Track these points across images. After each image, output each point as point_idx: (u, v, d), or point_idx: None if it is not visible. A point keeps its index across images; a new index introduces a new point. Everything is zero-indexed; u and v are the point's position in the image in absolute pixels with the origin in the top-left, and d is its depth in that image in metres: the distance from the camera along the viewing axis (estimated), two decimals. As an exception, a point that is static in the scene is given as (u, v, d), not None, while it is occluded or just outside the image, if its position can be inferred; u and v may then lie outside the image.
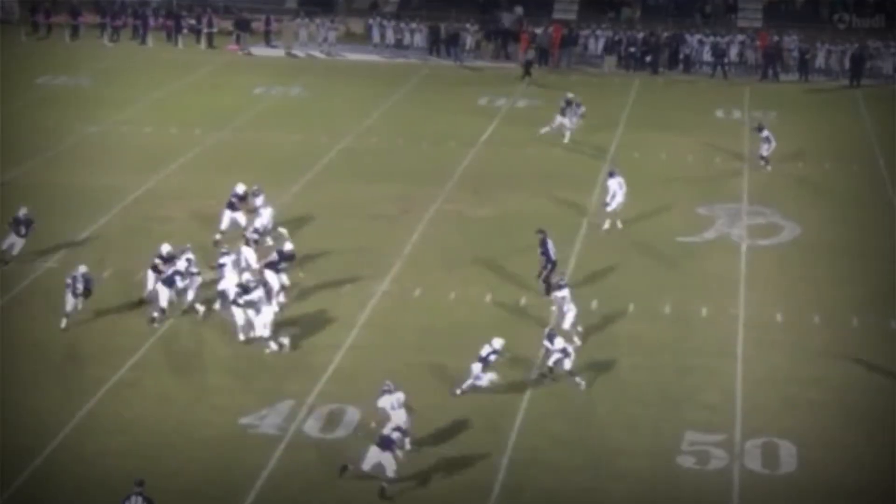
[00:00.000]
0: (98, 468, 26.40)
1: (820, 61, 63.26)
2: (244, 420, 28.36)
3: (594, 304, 34.54)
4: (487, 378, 29.27)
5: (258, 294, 31.68)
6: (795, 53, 62.91)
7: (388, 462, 25.06)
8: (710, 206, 41.90)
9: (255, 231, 36.59)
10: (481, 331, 32.73)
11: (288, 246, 34.58)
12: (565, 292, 32.13)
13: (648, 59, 62.94)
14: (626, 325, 33.15)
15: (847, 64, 61.81)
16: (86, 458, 26.76)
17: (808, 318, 34.19)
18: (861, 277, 36.95)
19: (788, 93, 59.40)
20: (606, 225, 39.88)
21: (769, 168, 45.36)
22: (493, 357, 29.41)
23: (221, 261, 33.77)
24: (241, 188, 38.27)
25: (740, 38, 65.05)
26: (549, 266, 35.03)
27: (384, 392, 27.01)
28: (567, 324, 31.78)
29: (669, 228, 40.11)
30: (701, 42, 64.39)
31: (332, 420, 28.45)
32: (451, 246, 38.25)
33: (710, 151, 48.58)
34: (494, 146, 49.43)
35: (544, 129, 49.01)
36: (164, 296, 32.84)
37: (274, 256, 34.35)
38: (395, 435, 25.34)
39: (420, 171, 45.73)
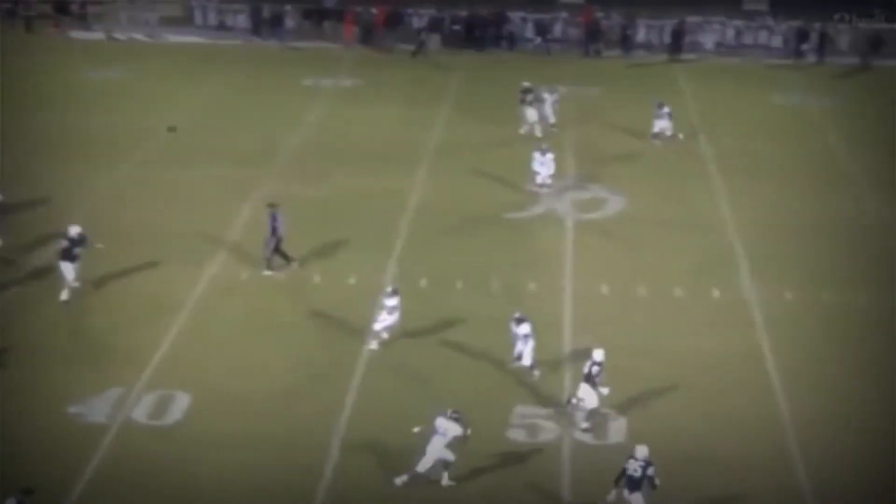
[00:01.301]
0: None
1: (641, 36, 64.24)
2: (72, 409, 28.07)
3: (423, 282, 34.73)
4: (598, 396, 27.99)
5: None
6: (617, 29, 63.76)
7: (637, 500, 24.49)
8: (537, 182, 42.21)
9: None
10: (311, 315, 32.79)
11: (74, 229, 33.52)
12: (525, 328, 30.05)
13: (477, 34, 63.16)
14: (455, 302, 33.34)
15: (667, 38, 62.94)
16: None
17: (632, 289, 34.80)
18: (683, 249, 37.65)
19: (611, 68, 60.18)
20: None
21: (657, 143, 46.99)
22: (595, 369, 28.02)
23: None
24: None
25: (563, 15, 65.60)
26: (276, 241, 35.20)
27: (453, 418, 25.66)
28: (527, 360, 30.01)
29: (497, 205, 40.42)
30: (524, 19, 64.87)
31: (161, 406, 28.28)
32: (280, 227, 38.07)
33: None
34: (321, 126, 49.28)
35: (522, 130, 47.65)
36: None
37: (64, 244, 33.24)
38: (650, 470, 24.42)
39: (246, 152, 45.33)
